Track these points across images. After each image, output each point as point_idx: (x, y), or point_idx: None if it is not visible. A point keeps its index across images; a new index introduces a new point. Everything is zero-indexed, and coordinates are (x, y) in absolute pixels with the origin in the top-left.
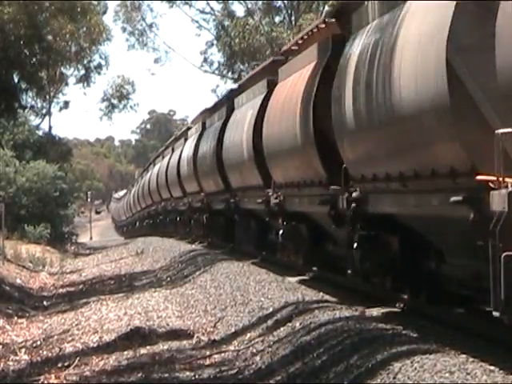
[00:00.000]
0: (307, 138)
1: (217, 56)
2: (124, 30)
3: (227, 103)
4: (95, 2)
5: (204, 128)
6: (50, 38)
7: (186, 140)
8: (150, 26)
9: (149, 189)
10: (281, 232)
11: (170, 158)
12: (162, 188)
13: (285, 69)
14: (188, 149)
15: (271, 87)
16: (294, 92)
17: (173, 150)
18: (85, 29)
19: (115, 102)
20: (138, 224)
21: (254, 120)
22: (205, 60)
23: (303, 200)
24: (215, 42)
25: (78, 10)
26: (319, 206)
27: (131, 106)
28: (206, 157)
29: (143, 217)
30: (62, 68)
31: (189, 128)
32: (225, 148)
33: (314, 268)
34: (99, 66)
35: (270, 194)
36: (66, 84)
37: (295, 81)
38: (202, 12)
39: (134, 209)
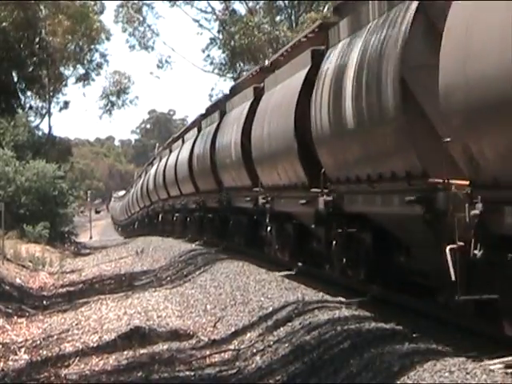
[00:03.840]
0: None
1: (217, 54)
2: (125, 30)
3: (255, 83)
4: (92, 2)
5: (223, 116)
6: (48, 37)
7: (199, 130)
8: (150, 27)
9: (155, 185)
10: (334, 242)
11: (179, 152)
12: (169, 185)
13: (343, 26)
14: (202, 141)
15: (317, 59)
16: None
17: (183, 142)
18: (83, 28)
19: (114, 98)
20: (137, 223)
21: (295, 101)
22: (207, 56)
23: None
24: (216, 40)
25: (76, 9)
26: (401, 205)
27: (130, 101)
28: (226, 150)
29: (147, 214)
30: (61, 68)
31: (203, 116)
32: (253, 139)
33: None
34: (98, 66)
35: (319, 193)
36: (65, 85)
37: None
38: (203, 11)
39: (135, 207)
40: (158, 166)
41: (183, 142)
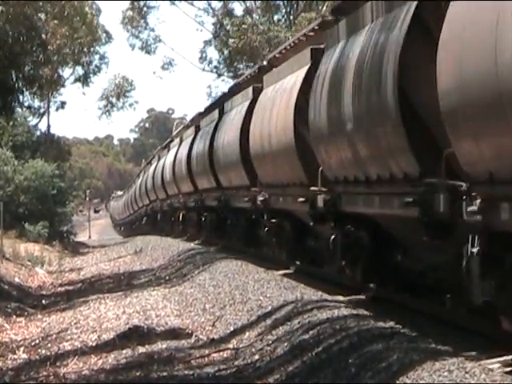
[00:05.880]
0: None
1: (215, 54)
2: (127, 30)
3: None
4: (87, 3)
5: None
6: (47, 36)
7: (254, 100)
8: (153, 30)
9: (173, 175)
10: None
11: (217, 129)
12: (197, 174)
13: None
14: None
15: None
16: None
17: (222, 114)
18: (81, 30)
19: (114, 100)
20: (139, 222)
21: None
22: (203, 57)
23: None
24: (213, 40)
25: (71, 11)
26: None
27: (130, 104)
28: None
29: (160, 209)
30: (60, 68)
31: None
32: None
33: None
34: (97, 68)
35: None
36: (63, 85)
37: None
38: (201, 10)
39: (144, 200)
40: (177, 150)
41: (221, 114)
